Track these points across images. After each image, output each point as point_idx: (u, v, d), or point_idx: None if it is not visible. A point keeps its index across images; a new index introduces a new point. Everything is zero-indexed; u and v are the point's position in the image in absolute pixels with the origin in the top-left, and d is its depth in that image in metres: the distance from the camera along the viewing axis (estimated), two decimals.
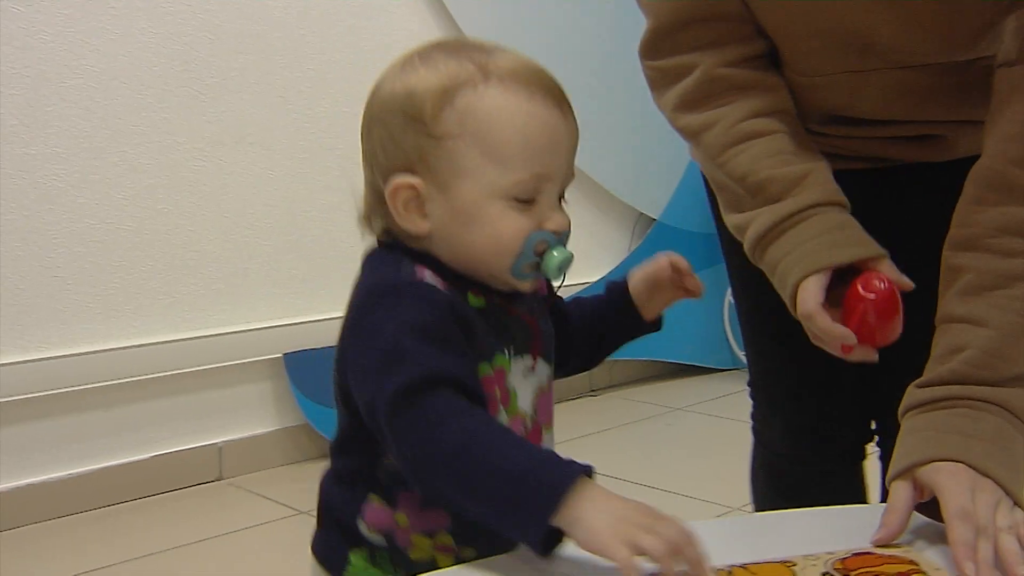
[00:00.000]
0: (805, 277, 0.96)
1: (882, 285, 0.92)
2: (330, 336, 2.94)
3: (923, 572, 0.72)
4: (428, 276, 0.83)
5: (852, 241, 0.98)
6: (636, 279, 0.98)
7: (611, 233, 3.31)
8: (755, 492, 1.46)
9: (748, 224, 1.03)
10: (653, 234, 3.32)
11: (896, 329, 0.93)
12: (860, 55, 1.05)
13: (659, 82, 1.11)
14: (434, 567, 0.83)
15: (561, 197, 0.86)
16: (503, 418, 0.84)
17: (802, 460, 1.35)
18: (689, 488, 2.34)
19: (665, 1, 1.06)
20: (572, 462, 0.72)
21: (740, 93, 1.05)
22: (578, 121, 0.85)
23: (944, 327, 0.93)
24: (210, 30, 2.45)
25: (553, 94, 0.83)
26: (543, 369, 0.89)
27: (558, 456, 0.74)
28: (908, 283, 0.95)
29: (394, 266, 0.86)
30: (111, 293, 2.37)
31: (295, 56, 2.59)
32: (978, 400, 0.86)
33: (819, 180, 1.02)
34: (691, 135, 1.09)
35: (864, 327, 0.92)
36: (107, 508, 2.32)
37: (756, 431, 1.43)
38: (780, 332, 1.15)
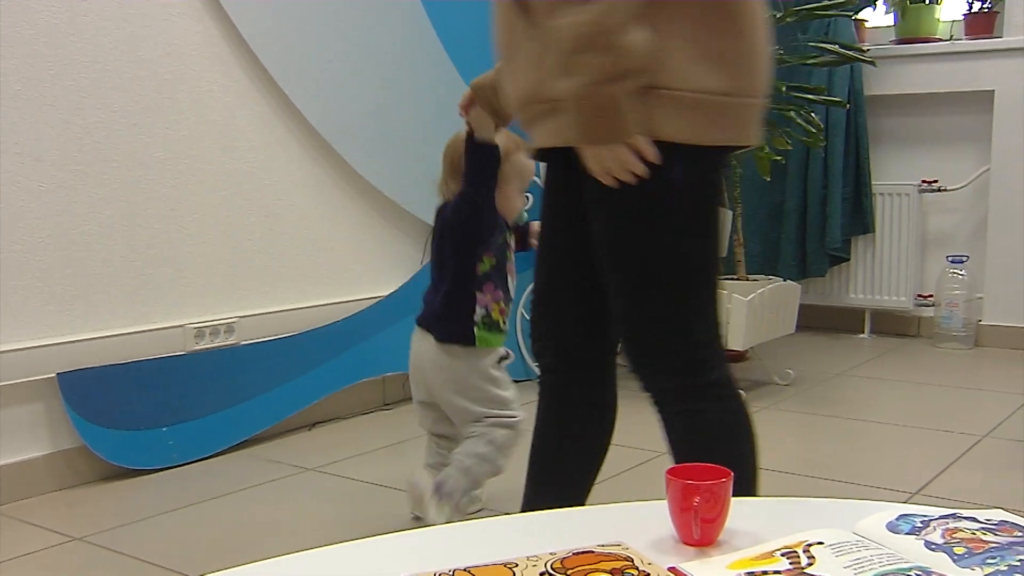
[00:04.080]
0: None
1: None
2: (108, 354, 2.85)
3: (635, 568, 0.77)
4: None
5: None
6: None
7: (403, 247, 3.33)
8: None
9: None
10: None
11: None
12: None
13: None
14: (498, 325, 2.08)
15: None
16: (512, 256, 2.12)
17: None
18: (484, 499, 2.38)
19: None
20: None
21: None
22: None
23: None
24: None
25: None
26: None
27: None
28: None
29: None
30: None
31: (66, 63, 2.48)
32: None
33: None
34: None
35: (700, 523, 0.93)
36: None
37: None
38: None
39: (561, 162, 1.48)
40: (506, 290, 2.10)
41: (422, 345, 2.13)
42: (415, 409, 2.25)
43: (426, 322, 2.13)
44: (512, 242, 2.12)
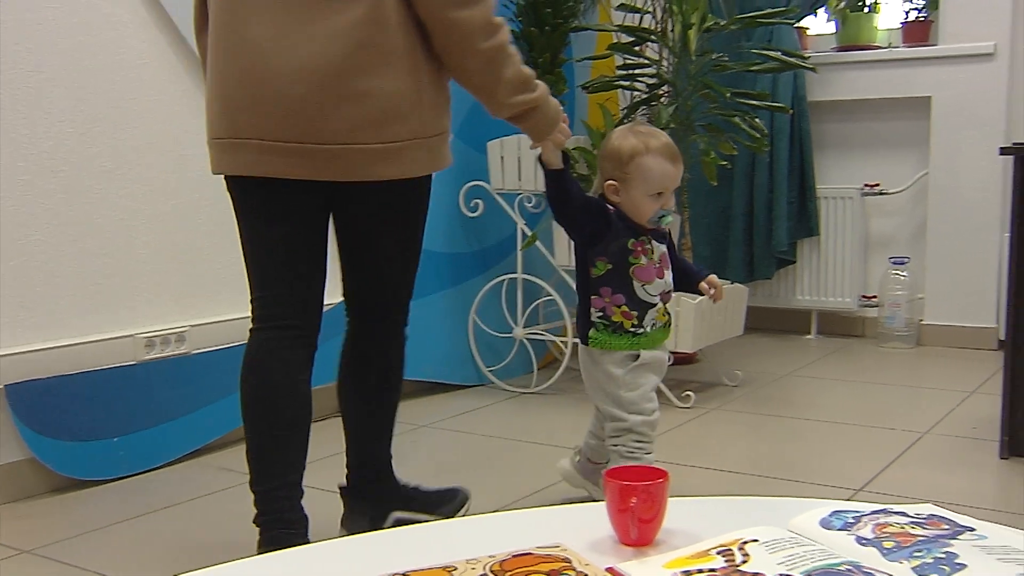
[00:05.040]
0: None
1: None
2: (57, 365, 2.83)
3: (573, 569, 0.80)
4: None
5: None
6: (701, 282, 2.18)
7: None
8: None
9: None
10: None
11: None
12: None
13: None
14: (622, 326, 2.07)
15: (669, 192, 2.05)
16: (643, 261, 2.06)
17: None
18: None
19: None
20: None
21: None
22: None
23: None
24: None
25: (671, 156, 2.04)
26: (659, 246, 2.10)
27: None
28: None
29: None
30: None
31: (11, 72, 2.46)
32: None
33: None
34: None
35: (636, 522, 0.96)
36: None
37: None
38: None
39: None
40: (630, 294, 2.07)
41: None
42: None
43: None
44: (650, 246, 2.08)
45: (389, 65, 1.81)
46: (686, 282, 2.20)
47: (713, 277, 2.20)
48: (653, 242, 2.09)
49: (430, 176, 2.03)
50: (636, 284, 2.07)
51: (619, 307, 2.07)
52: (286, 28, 1.79)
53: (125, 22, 2.70)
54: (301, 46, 1.78)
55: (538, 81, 1.98)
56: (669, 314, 2.15)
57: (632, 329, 2.08)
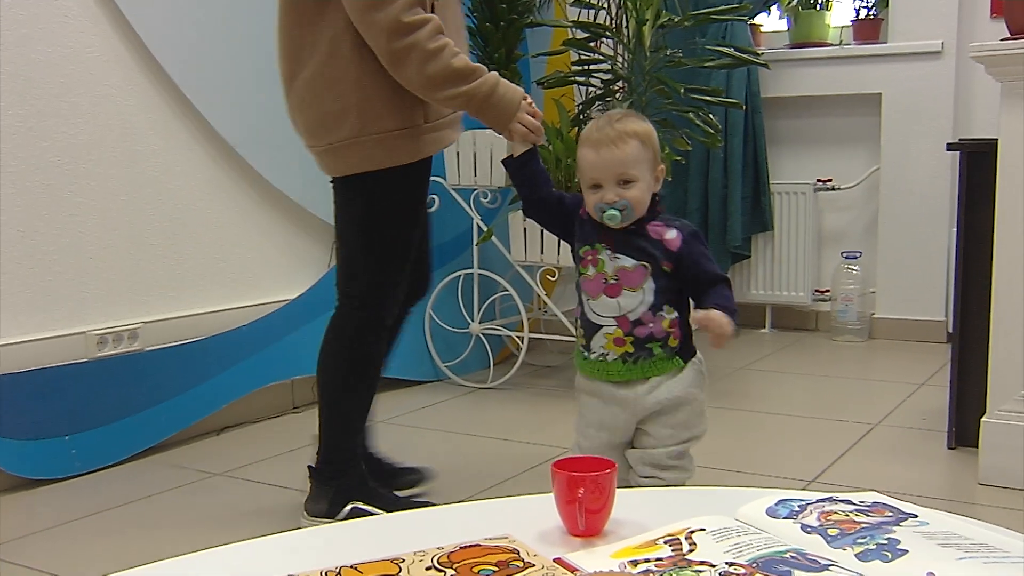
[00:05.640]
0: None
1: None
2: (7, 363, 2.79)
3: (521, 559, 0.81)
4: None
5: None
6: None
7: (309, 249, 3.32)
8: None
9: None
10: None
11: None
12: None
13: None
14: (581, 347, 1.78)
15: (623, 183, 1.69)
16: (590, 272, 1.74)
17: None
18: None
19: None
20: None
21: None
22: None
23: None
24: None
25: (594, 143, 1.71)
26: (617, 260, 1.72)
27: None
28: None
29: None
30: None
31: None
32: None
33: None
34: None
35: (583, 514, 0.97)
36: None
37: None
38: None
39: None
40: (581, 308, 1.78)
41: None
42: None
43: None
44: (602, 256, 1.74)
45: (318, 74, 2.04)
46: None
47: (712, 312, 1.72)
48: (606, 251, 1.73)
49: (399, 168, 2.08)
50: (584, 297, 1.77)
51: (577, 319, 1.80)
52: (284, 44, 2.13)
53: (74, 14, 2.67)
54: (288, 64, 2.12)
55: (489, 72, 2.00)
56: (647, 350, 1.76)
57: (582, 348, 1.78)
